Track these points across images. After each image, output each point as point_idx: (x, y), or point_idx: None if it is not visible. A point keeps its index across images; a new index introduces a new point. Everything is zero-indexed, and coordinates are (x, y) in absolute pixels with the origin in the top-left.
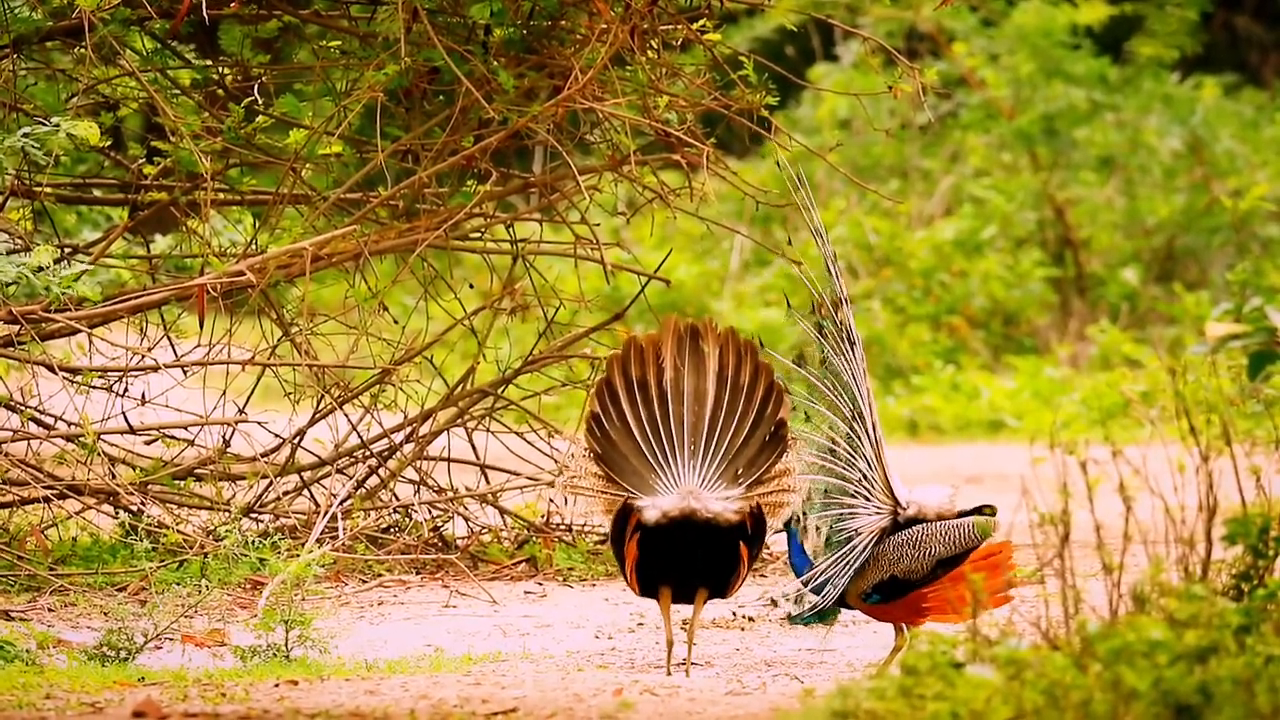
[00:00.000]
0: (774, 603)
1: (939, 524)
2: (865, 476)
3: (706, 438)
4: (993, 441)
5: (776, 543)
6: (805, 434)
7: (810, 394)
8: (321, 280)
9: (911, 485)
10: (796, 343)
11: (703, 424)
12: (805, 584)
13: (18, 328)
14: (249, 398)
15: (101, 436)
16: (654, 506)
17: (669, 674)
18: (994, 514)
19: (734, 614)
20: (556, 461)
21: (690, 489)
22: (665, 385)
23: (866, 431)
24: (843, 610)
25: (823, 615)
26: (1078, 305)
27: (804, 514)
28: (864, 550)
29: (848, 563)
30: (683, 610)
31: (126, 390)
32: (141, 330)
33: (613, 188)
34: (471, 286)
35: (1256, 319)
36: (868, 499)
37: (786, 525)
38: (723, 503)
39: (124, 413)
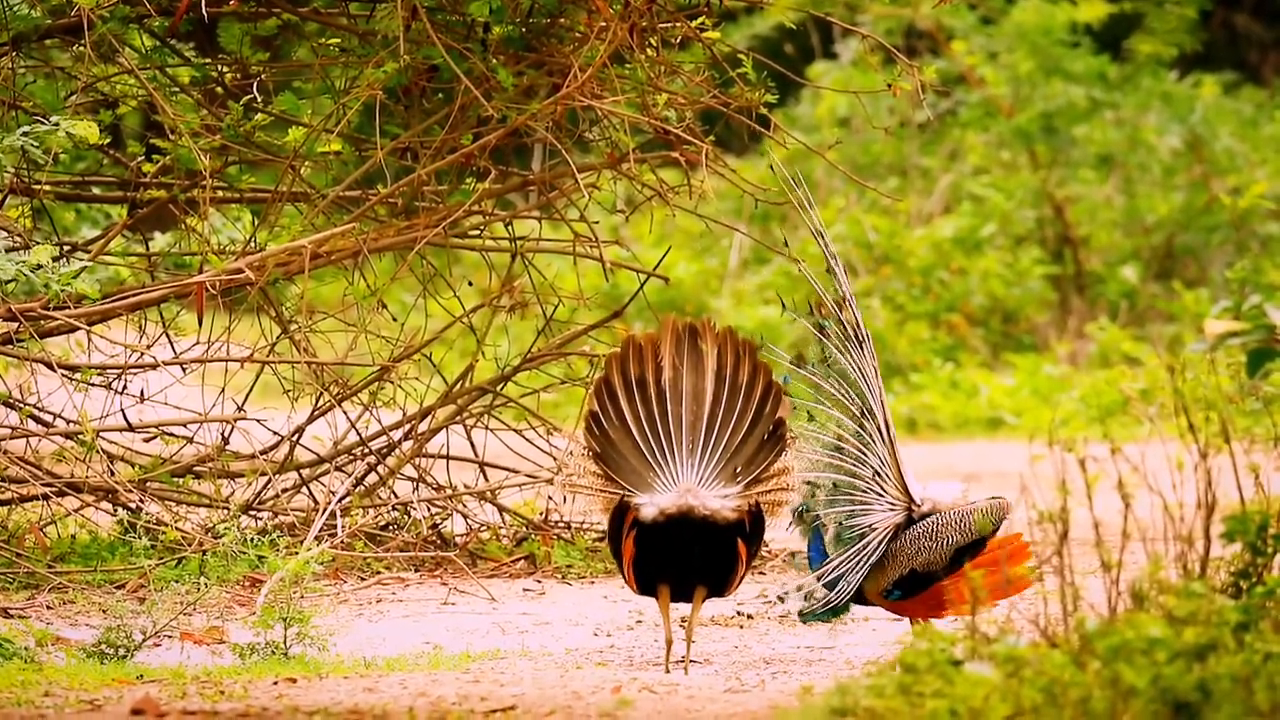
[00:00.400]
0: (781, 599)
1: (954, 513)
2: (878, 473)
3: (705, 436)
4: (991, 439)
5: (776, 541)
6: (810, 432)
7: (816, 393)
8: (320, 278)
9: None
10: (796, 341)
11: (701, 422)
12: (818, 579)
13: (16, 325)
14: (248, 395)
15: (100, 434)
16: (651, 504)
17: (668, 671)
18: (1001, 503)
19: (737, 613)
20: (555, 459)
21: (688, 487)
22: (664, 384)
23: (878, 429)
24: (856, 608)
25: (835, 611)
26: (1077, 303)
27: (806, 509)
28: (879, 546)
29: (863, 559)
30: (682, 608)
31: (125, 388)
32: (140, 328)
33: (612, 185)
34: (470, 284)
35: (1255, 316)
36: (880, 495)
37: (809, 521)
38: (720, 500)
39: (123, 410)
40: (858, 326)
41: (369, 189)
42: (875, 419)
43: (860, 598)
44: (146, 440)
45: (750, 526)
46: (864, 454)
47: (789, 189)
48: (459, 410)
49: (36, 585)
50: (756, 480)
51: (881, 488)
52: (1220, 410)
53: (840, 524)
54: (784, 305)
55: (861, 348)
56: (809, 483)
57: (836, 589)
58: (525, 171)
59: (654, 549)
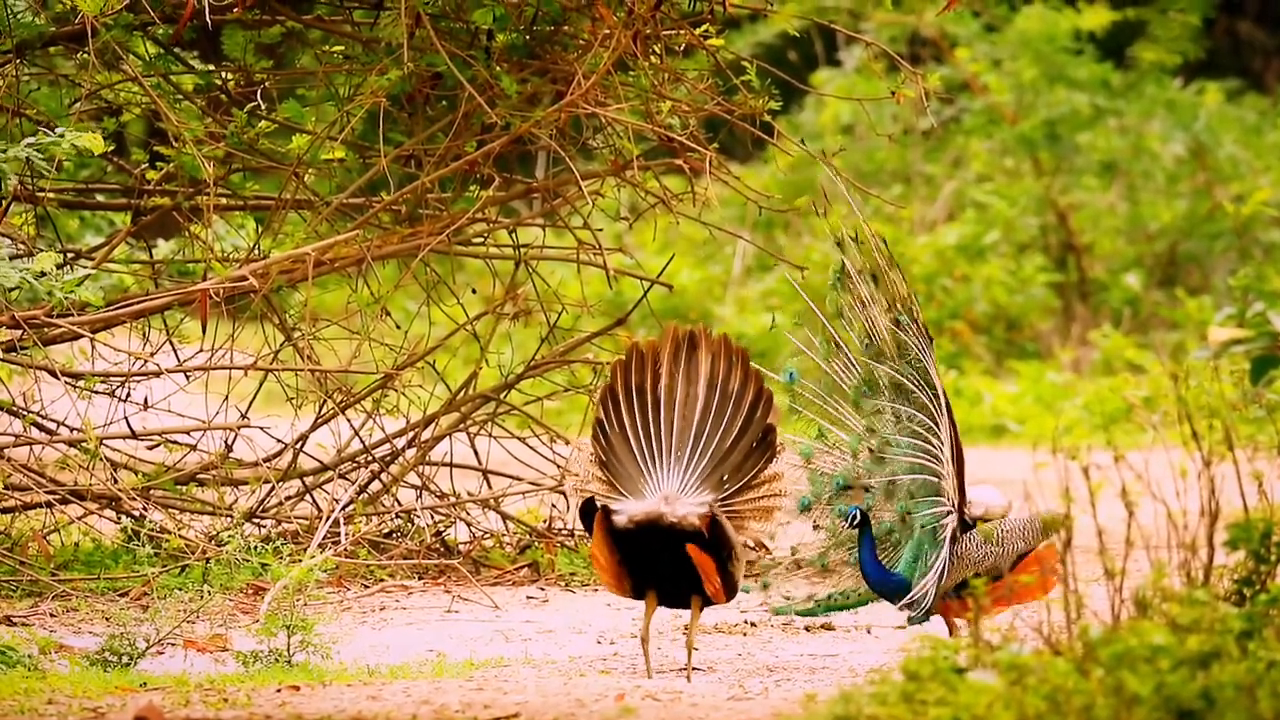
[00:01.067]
0: (911, 604)
1: (1016, 522)
2: (948, 474)
3: (693, 443)
4: (995, 446)
5: (780, 547)
6: (897, 439)
7: (900, 394)
8: (324, 285)
9: None
10: (797, 347)
11: (690, 429)
12: (921, 593)
13: (20, 333)
14: (251, 403)
15: (104, 441)
16: (623, 511)
17: (649, 677)
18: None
19: (742, 620)
20: (559, 467)
21: (667, 494)
22: (660, 392)
23: (947, 430)
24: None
25: (928, 614)
26: (1080, 310)
27: (910, 513)
28: (949, 548)
29: (942, 561)
30: (684, 615)
31: (129, 395)
32: (144, 335)
33: (615, 193)
34: (474, 291)
35: (1259, 324)
36: (943, 495)
37: (863, 527)
38: (689, 507)
39: (126, 418)
40: (924, 326)
41: (373, 196)
42: (944, 419)
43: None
44: (150, 448)
45: (711, 534)
46: (939, 455)
47: (846, 188)
48: (462, 418)
49: (40, 593)
50: (747, 487)
51: (943, 488)
52: (1223, 418)
53: (936, 524)
54: (774, 320)
55: (931, 346)
56: (867, 487)
57: (925, 598)
58: (529, 179)
59: (629, 555)
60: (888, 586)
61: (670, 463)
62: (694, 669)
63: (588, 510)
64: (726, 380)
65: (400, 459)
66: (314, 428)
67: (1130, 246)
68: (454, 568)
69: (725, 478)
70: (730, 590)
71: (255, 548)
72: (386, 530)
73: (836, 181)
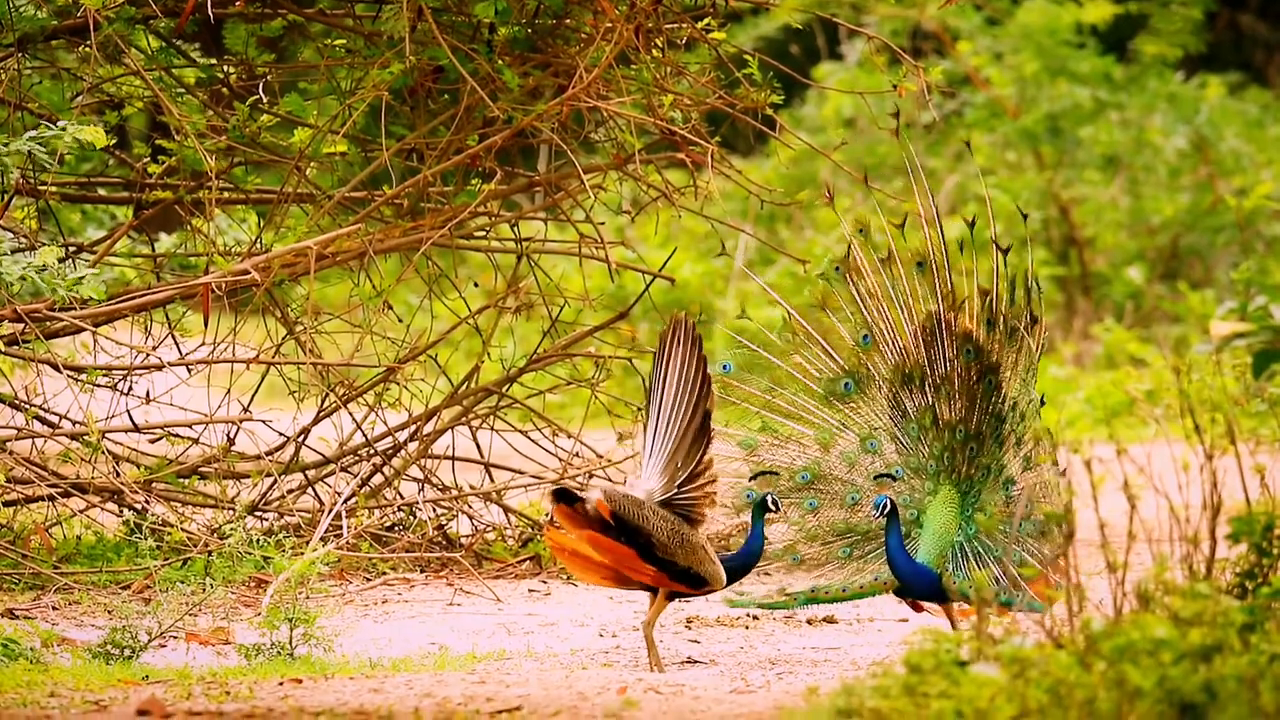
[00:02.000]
0: (1008, 605)
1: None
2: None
3: (662, 431)
4: None
5: (777, 541)
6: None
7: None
8: (326, 279)
9: None
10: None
11: (664, 416)
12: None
13: (22, 326)
14: (253, 396)
15: (106, 435)
16: (589, 500)
17: (654, 670)
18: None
19: (745, 614)
20: (561, 460)
21: (631, 481)
22: (658, 379)
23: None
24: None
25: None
26: (1082, 304)
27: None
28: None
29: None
30: (687, 607)
31: (131, 389)
32: (146, 329)
33: (617, 186)
34: (476, 285)
35: (1261, 318)
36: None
37: (891, 517)
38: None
39: (128, 411)
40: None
41: (374, 190)
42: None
43: (942, 593)
44: (152, 441)
45: (616, 521)
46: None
47: (914, 174)
48: (464, 411)
49: (42, 586)
50: (694, 474)
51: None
52: (1225, 411)
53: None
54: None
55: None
56: (904, 476)
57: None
58: (531, 172)
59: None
60: (919, 579)
61: (650, 448)
62: (695, 662)
63: (560, 498)
64: (688, 366)
65: (402, 452)
66: (316, 421)
67: (1132, 240)
68: (456, 561)
69: (679, 464)
70: (683, 577)
71: (257, 541)
72: (389, 523)
73: (907, 158)
